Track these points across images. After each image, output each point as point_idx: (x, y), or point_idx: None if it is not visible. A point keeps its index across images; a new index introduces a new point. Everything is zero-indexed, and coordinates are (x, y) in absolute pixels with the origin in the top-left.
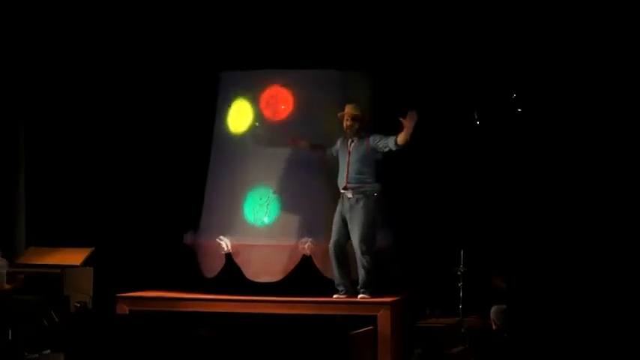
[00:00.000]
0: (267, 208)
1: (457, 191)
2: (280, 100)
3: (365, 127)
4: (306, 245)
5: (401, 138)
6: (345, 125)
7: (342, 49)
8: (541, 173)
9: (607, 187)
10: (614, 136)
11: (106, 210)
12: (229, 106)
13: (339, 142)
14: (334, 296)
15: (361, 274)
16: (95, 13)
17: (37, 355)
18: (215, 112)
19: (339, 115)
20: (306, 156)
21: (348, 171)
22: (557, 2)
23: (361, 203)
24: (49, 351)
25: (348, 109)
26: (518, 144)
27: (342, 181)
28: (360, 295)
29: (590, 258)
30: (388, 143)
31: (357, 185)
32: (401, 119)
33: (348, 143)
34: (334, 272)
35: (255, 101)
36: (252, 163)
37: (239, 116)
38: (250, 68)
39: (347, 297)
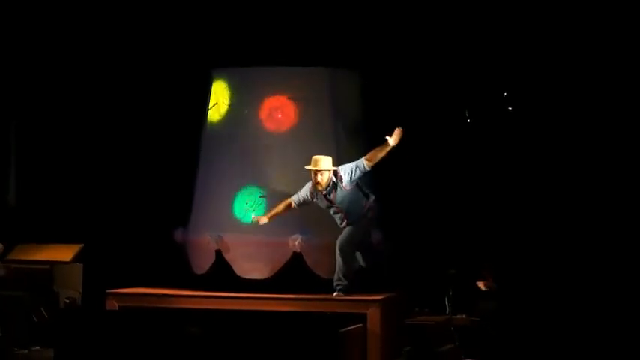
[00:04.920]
0: (253, 212)
1: (448, 190)
2: (283, 113)
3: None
4: (297, 242)
5: (370, 160)
6: (317, 180)
7: (332, 48)
8: (532, 172)
9: (598, 184)
10: (606, 134)
11: (96, 206)
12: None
13: (307, 193)
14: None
15: (338, 272)
16: (86, 10)
17: (26, 351)
18: (205, 109)
19: (306, 167)
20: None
21: (345, 215)
22: (547, 2)
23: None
24: (38, 347)
25: (325, 163)
26: (509, 142)
27: (342, 224)
28: (335, 293)
29: (580, 256)
30: (359, 170)
31: (358, 217)
32: (388, 137)
33: (325, 196)
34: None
35: (239, 92)
36: (241, 160)
37: (215, 98)
38: (241, 65)
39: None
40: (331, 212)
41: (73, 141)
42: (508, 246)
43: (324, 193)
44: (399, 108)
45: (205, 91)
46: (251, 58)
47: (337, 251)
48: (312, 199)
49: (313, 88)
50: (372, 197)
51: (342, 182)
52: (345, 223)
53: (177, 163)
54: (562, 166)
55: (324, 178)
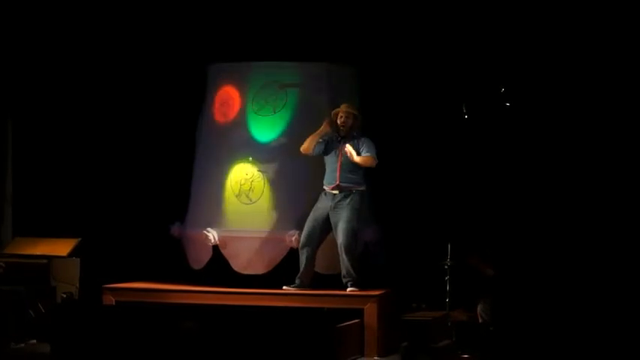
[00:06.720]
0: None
1: (444, 185)
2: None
3: (358, 126)
4: (294, 238)
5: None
6: (339, 122)
7: (329, 43)
8: (528, 167)
9: (594, 179)
10: (602, 128)
11: (93, 201)
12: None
13: (328, 139)
14: (286, 287)
15: (347, 268)
16: (78, 6)
17: (22, 346)
18: (202, 104)
19: (332, 113)
20: (294, 149)
21: (340, 171)
22: None
23: (347, 201)
24: (34, 341)
25: (345, 107)
26: (506, 138)
27: (332, 180)
28: (349, 289)
29: (577, 252)
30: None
31: (347, 185)
32: None
33: (340, 143)
34: (300, 264)
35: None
36: (238, 147)
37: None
38: (238, 61)
39: (297, 289)
40: (328, 163)
41: (70, 135)
42: (505, 240)
43: (341, 137)
44: (396, 103)
45: (201, 86)
46: (247, 53)
47: (341, 248)
48: (330, 141)
49: (311, 82)
50: (364, 185)
51: (359, 139)
52: (335, 183)
53: (175, 158)
54: (559, 160)
55: (349, 121)
